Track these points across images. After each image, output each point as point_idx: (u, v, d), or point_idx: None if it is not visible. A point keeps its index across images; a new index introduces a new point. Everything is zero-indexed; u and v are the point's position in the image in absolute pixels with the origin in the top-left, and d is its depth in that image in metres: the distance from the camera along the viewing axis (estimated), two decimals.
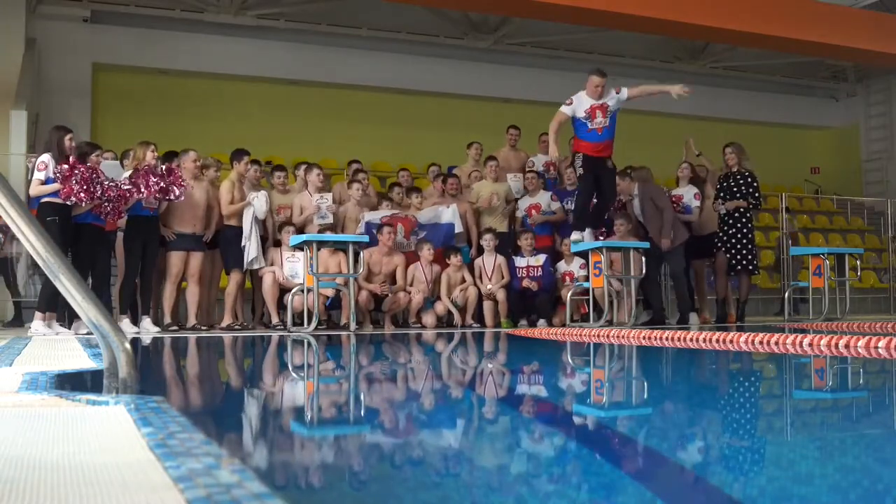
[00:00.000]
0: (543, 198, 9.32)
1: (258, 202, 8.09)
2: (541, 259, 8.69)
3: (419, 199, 9.07)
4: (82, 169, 6.83)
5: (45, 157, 7.02)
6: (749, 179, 8.95)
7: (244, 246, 8.05)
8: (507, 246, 8.98)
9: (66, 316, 7.24)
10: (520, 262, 8.70)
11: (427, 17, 13.72)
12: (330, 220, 8.48)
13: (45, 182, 6.93)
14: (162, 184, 7.27)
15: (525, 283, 8.59)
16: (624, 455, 1.83)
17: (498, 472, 1.62)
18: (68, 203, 6.87)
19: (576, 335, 6.98)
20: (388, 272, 8.38)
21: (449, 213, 8.80)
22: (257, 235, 8.11)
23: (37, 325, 6.95)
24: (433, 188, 9.61)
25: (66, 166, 6.80)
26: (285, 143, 12.96)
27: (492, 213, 9.17)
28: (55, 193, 6.87)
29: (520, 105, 14.26)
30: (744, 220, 8.96)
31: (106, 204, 6.98)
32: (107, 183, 7.00)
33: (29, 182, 7.21)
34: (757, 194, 8.98)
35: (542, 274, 8.64)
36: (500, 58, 14.82)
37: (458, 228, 8.83)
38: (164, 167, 7.46)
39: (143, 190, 7.16)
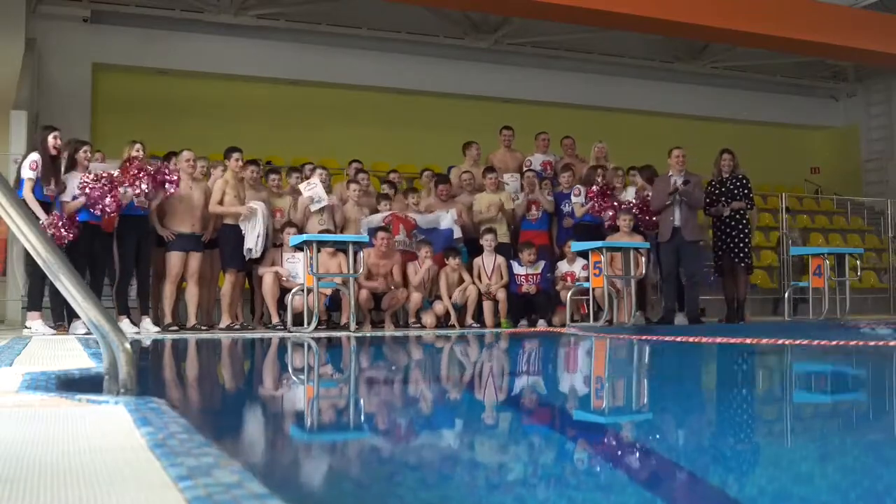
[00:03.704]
0: (541, 196, 9.32)
1: (256, 210, 7.99)
2: (539, 267, 8.68)
3: (416, 199, 9.07)
4: (103, 181, 6.97)
5: (35, 156, 6.99)
6: (745, 181, 9.30)
7: (246, 234, 8.00)
8: (508, 255, 8.92)
9: (66, 315, 7.22)
10: (518, 270, 8.68)
11: (427, 17, 13.70)
12: (325, 202, 8.40)
13: (35, 180, 6.94)
14: (153, 180, 7.31)
15: (524, 288, 8.58)
16: (621, 454, 1.83)
17: (496, 472, 1.62)
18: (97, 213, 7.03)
19: (575, 335, 6.98)
20: (386, 272, 8.37)
21: (448, 219, 8.82)
22: (260, 227, 8.00)
23: (36, 325, 6.95)
24: (429, 191, 9.59)
25: (93, 183, 6.96)
26: (285, 143, 12.93)
27: (494, 223, 9.10)
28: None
29: (520, 105, 14.24)
30: (744, 221, 9.21)
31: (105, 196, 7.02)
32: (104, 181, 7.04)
33: (17, 181, 7.04)
34: (751, 195, 9.39)
35: (540, 281, 8.63)
36: (500, 58, 14.79)
37: (457, 234, 8.85)
38: (152, 166, 7.53)
39: (135, 181, 7.19)
